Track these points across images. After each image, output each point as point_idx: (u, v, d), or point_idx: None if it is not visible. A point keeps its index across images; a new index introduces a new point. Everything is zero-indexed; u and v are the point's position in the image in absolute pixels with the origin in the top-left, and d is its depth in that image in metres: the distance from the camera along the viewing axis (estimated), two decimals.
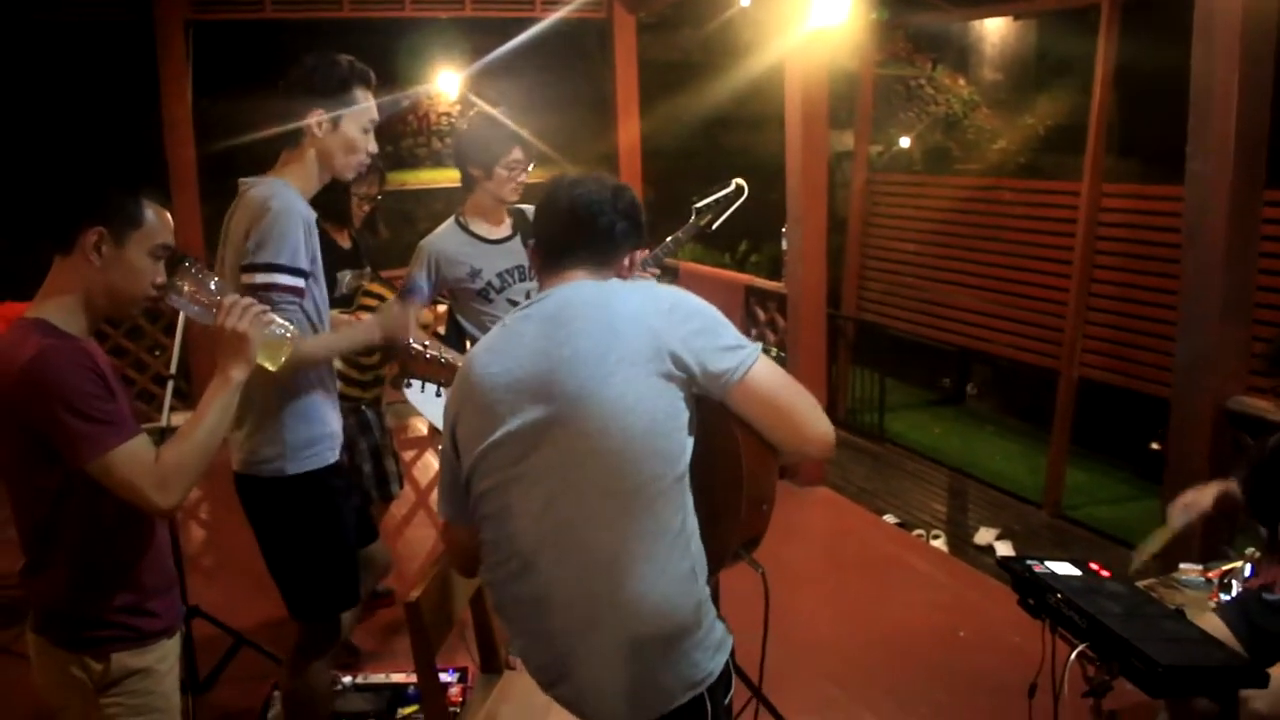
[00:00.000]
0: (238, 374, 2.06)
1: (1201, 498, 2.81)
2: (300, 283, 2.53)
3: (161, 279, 2.03)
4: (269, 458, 2.61)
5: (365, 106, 2.66)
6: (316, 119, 2.59)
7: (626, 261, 2.06)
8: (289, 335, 2.18)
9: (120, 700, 2.04)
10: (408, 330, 2.84)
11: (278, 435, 2.60)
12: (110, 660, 2.02)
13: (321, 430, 2.67)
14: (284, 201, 2.52)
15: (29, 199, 2.04)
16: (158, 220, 2.01)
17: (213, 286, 2.08)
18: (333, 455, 2.71)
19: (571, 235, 1.99)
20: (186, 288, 2.06)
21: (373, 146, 2.71)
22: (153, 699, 2.09)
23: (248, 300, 2.09)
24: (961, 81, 16.09)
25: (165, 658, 2.13)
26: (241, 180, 2.63)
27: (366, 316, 3.00)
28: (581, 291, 1.95)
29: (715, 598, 1.94)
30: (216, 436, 2.03)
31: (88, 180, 2.00)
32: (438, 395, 3.51)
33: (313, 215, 2.63)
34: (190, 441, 1.98)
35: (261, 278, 2.47)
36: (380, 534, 3.28)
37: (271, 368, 2.19)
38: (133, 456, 1.91)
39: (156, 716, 2.10)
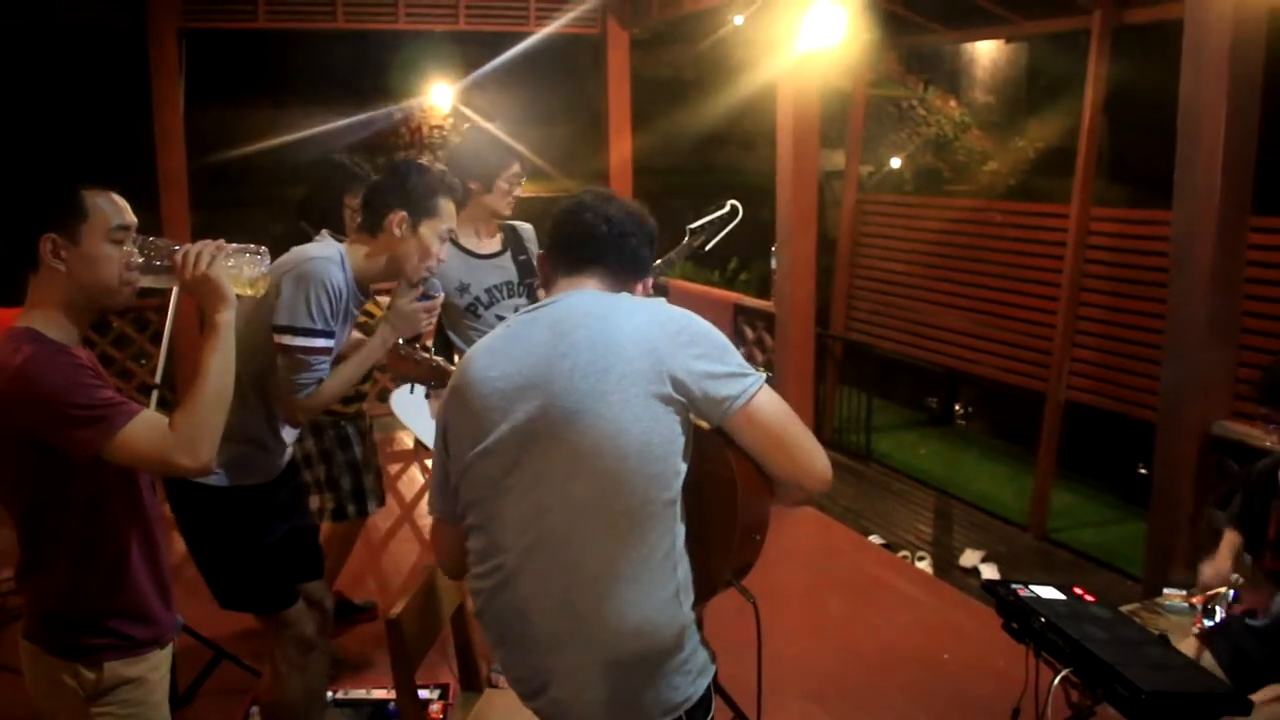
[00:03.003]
0: (222, 317, 2.03)
1: (1221, 568, 2.94)
2: (329, 343, 2.64)
3: (136, 259, 2.01)
4: None
5: (446, 216, 2.75)
6: (399, 220, 2.67)
7: (639, 288, 2.06)
8: (259, 256, 2.17)
9: (111, 710, 2.03)
10: (420, 322, 2.83)
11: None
12: (103, 669, 2.01)
13: (252, 447, 2.69)
14: (319, 267, 2.61)
15: None
16: (106, 204, 1.98)
17: (175, 249, 2.05)
18: (262, 477, 2.74)
19: (597, 251, 1.99)
20: (142, 260, 2.03)
21: (444, 254, 2.80)
22: (144, 709, 2.08)
23: (200, 244, 2.05)
24: (953, 103, 16.14)
25: (158, 667, 2.12)
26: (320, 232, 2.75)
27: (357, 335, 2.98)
28: (588, 301, 1.93)
29: (699, 618, 1.93)
30: (225, 385, 2.01)
31: (21, 194, 1.97)
32: (426, 396, 3.43)
33: (353, 293, 2.71)
34: (201, 397, 1.96)
35: (301, 341, 2.58)
36: (362, 546, 3.20)
37: (254, 293, 2.19)
38: (147, 427, 1.90)
39: None
